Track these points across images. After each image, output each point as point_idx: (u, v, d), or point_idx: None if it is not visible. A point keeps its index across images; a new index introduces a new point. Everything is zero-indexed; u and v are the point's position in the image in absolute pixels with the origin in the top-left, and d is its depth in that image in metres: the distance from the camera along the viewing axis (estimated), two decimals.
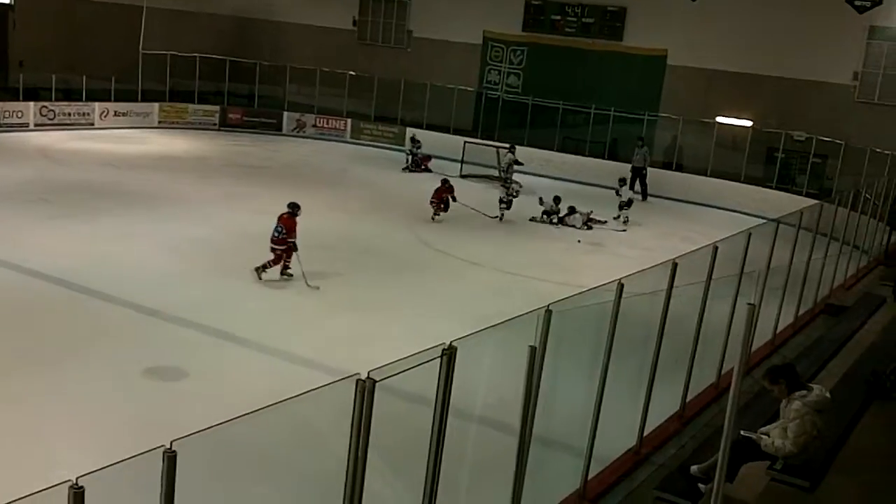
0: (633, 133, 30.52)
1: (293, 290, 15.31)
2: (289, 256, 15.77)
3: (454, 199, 22.62)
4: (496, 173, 29.11)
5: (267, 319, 13.69)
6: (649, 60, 31.70)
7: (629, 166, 28.73)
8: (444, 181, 23.21)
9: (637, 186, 28.59)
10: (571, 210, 23.31)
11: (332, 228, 20.35)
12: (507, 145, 29.16)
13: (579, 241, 21.60)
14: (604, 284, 7.45)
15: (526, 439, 6.05)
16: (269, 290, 15.18)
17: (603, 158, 31.08)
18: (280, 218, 15.89)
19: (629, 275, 7.55)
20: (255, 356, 12.26)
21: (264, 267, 15.61)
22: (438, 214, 22.43)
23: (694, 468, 7.09)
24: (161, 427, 7.25)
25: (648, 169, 28.87)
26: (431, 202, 22.55)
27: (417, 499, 5.40)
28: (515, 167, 28.43)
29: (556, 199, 23.57)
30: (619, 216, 24.34)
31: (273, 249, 15.68)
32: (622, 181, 25.10)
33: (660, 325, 8.52)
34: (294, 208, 16.02)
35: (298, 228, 15.83)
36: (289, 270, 15.81)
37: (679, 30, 30.49)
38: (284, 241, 15.63)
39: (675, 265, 8.39)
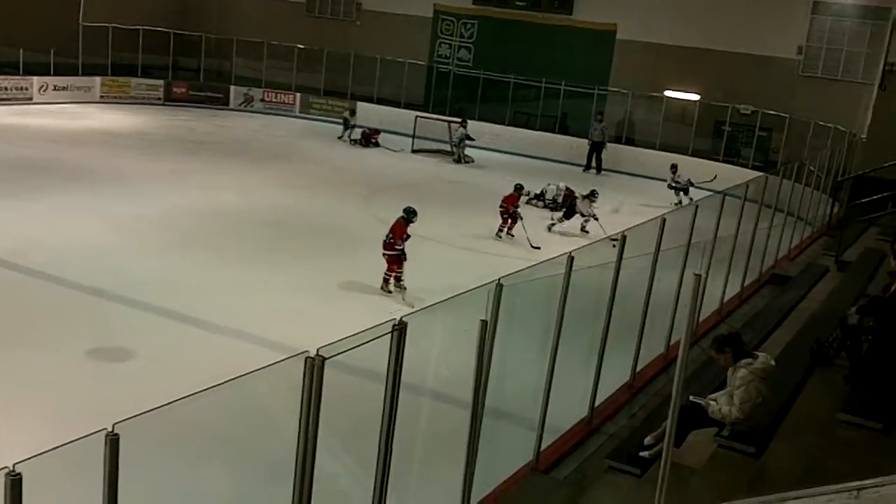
0: (583, 107, 30.66)
1: (241, 267, 15.13)
2: (399, 265, 14.37)
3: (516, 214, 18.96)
4: (448, 148, 29.10)
5: (214, 297, 13.52)
6: (599, 35, 31.78)
7: (587, 141, 29.09)
8: (518, 187, 19.67)
9: (593, 162, 28.92)
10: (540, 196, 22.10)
11: (282, 204, 20.18)
12: (460, 119, 29.14)
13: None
14: (554, 258, 7.47)
15: (478, 413, 6.07)
16: (215, 268, 14.98)
17: (553, 132, 31.22)
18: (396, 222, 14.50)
19: (579, 248, 7.59)
20: (203, 335, 12.11)
21: (386, 280, 14.36)
22: (504, 230, 18.95)
23: (648, 438, 7.19)
24: (107, 410, 7.13)
25: (607, 144, 29.19)
26: (501, 212, 19.12)
27: (370, 474, 5.38)
28: (467, 142, 28.46)
29: (593, 193, 20.28)
30: (679, 201, 23.79)
31: (383, 255, 14.43)
32: (674, 167, 24.92)
33: (609, 297, 8.59)
34: (409, 214, 14.63)
35: (411, 233, 14.63)
36: (402, 282, 14.36)
37: (628, 4, 30.61)
38: (392, 246, 14.27)
39: (623, 237, 8.46)
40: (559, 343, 7.62)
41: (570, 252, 7.35)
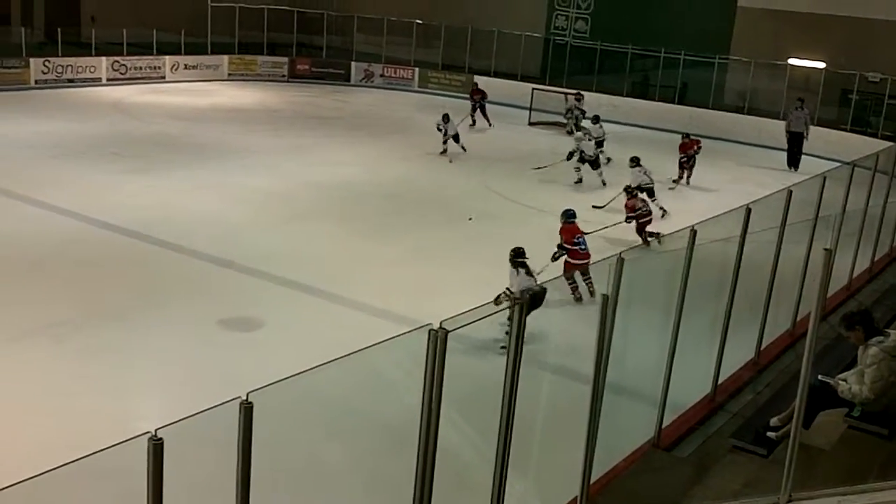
0: (702, 77, 29.89)
1: (362, 239, 15.41)
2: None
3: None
4: (564, 120, 28.79)
5: (339, 269, 13.81)
6: (719, 2, 30.90)
7: (785, 132, 25.03)
8: (686, 135, 22.42)
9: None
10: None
11: (401, 176, 20.44)
12: (575, 92, 28.76)
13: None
14: (676, 231, 7.35)
15: (599, 387, 6.04)
16: (338, 240, 15.31)
17: (673, 103, 30.52)
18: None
19: (702, 221, 7.43)
20: (328, 306, 12.40)
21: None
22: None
23: (774, 420, 7.02)
24: (238, 378, 7.40)
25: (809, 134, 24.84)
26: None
27: (491, 447, 5.44)
28: (577, 114, 27.91)
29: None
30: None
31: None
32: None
33: (734, 272, 8.39)
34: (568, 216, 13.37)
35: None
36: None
37: None
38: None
39: (748, 210, 8.23)
40: (681, 318, 7.51)
41: (693, 226, 7.23)
